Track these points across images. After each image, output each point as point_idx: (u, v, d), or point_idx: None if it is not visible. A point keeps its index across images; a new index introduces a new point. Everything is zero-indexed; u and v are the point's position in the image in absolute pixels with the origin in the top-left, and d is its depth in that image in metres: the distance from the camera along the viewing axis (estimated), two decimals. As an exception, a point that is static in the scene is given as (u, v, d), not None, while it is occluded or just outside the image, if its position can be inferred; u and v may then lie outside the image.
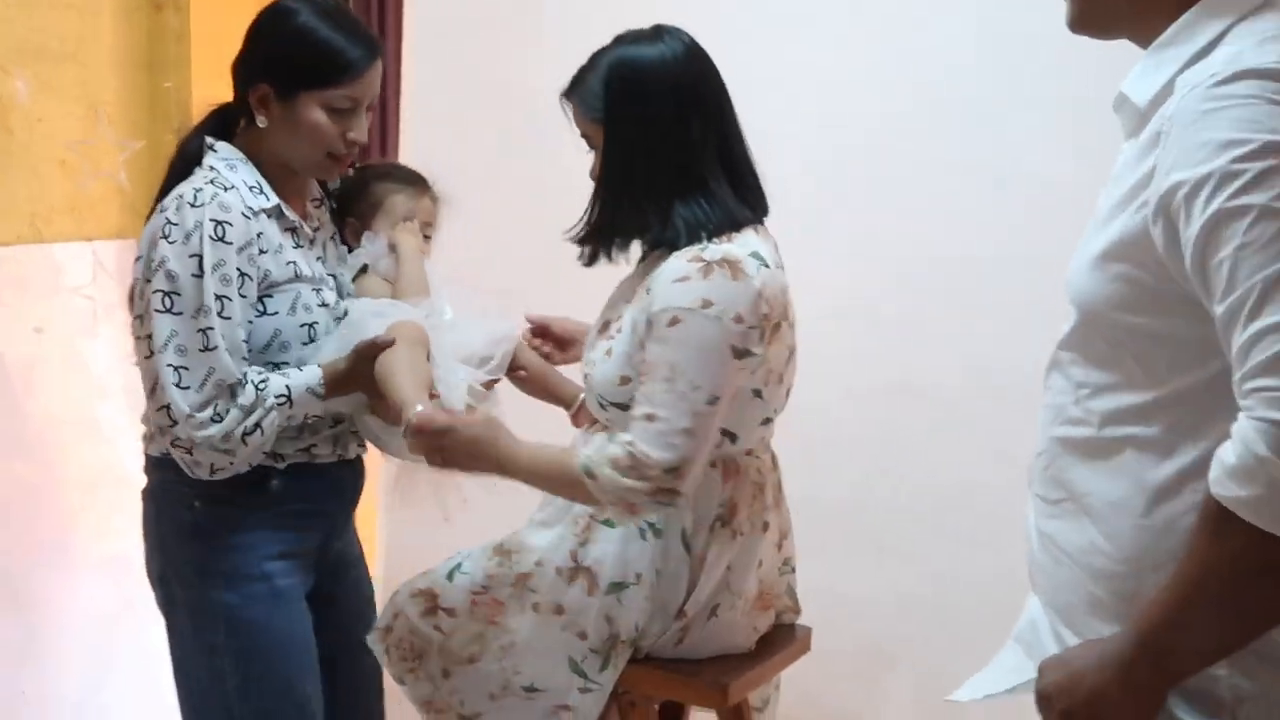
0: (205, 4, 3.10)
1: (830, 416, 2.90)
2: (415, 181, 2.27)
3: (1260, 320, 1.17)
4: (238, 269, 2.00)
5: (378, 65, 2.09)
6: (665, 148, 1.90)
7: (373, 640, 2.10)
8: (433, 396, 1.98)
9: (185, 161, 2.11)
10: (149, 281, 1.98)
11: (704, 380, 1.82)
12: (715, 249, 1.86)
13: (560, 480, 1.89)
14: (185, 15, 3.02)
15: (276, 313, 2.07)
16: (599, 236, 1.97)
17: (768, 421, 2.01)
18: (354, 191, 2.26)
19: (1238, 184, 1.19)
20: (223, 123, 2.14)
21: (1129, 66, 1.41)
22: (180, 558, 2.13)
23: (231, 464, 2.01)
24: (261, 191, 2.08)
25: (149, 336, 1.98)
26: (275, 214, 2.09)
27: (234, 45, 3.19)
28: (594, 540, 1.96)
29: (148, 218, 2.08)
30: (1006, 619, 1.62)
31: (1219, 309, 1.21)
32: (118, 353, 2.92)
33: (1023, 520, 1.54)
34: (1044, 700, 1.38)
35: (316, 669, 2.17)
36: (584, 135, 1.97)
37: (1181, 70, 1.30)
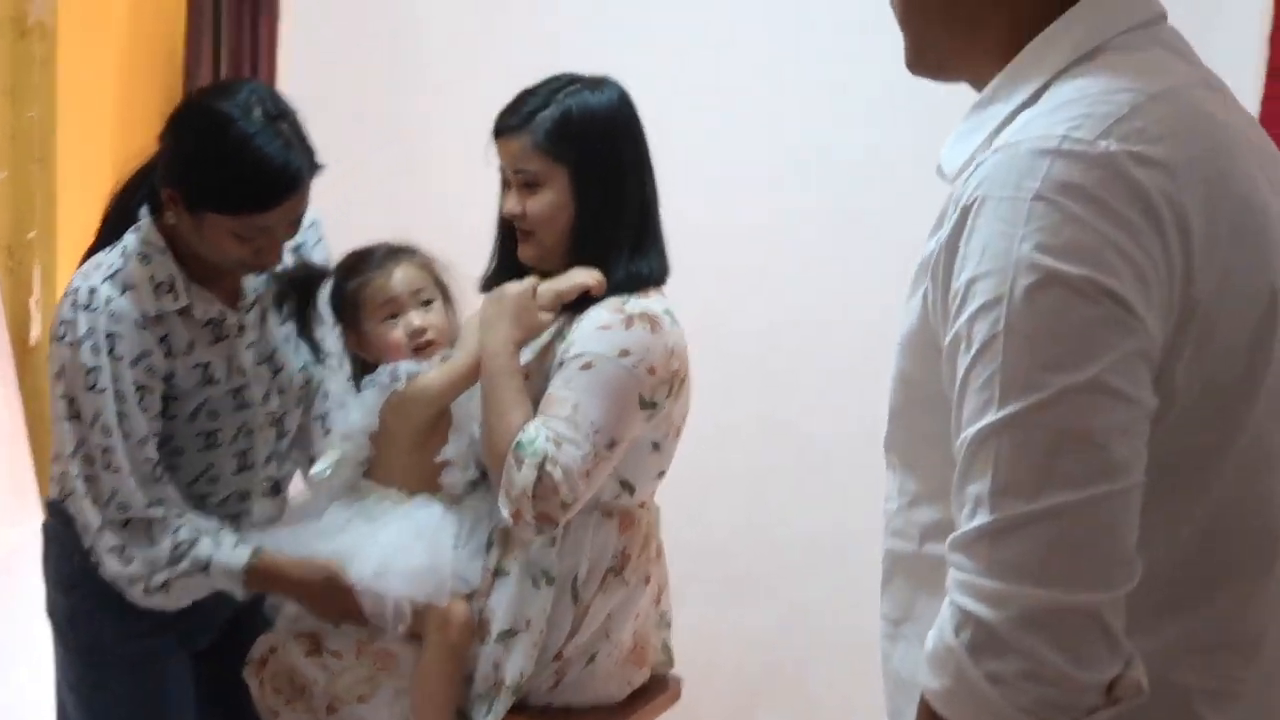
0: (73, 31, 3.03)
1: (702, 459, 2.92)
2: (382, 261, 2.03)
3: (966, 485, 1.02)
4: (134, 383, 1.90)
5: (302, 191, 1.90)
6: (633, 198, 1.95)
7: (247, 673, 2.07)
8: None
9: (119, 223, 1.98)
10: (57, 377, 1.90)
11: (605, 423, 1.84)
12: (636, 303, 1.91)
13: (502, 423, 1.86)
14: (51, 42, 2.94)
15: (175, 417, 1.97)
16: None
17: (661, 474, 2.04)
18: (333, 300, 2.07)
19: (971, 308, 1.03)
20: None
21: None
22: (60, 603, 2.08)
23: (129, 593, 1.95)
24: (171, 289, 1.93)
25: (61, 434, 1.91)
26: (185, 313, 1.96)
27: (102, 74, 3.13)
28: (487, 590, 1.96)
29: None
30: (875, 659, 1.64)
31: (953, 444, 1.06)
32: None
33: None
34: None
35: None
36: (521, 170, 1.94)
37: (994, 134, 1.14)
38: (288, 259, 2.08)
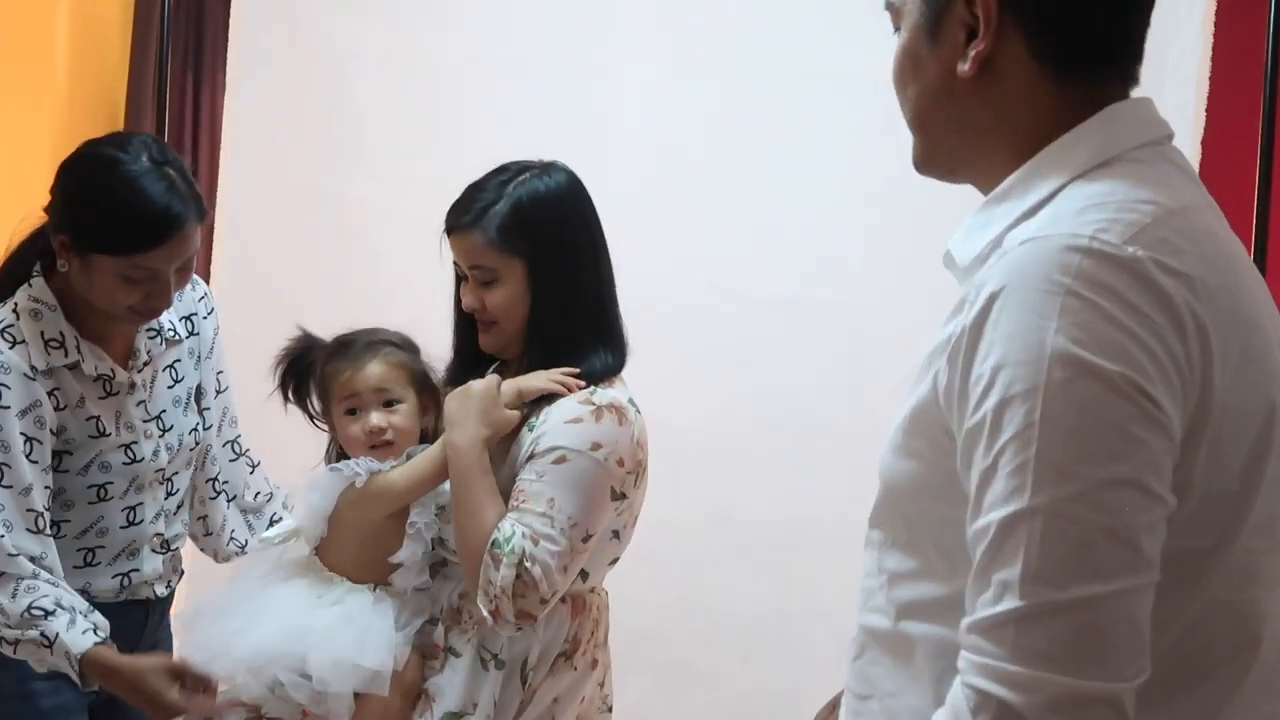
0: (10, 100, 3.01)
1: (639, 544, 2.92)
2: (359, 353, 1.99)
3: (991, 570, 1.03)
4: (21, 433, 1.90)
5: (186, 233, 1.94)
6: (590, 280, 1.95)
7: None
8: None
9: (12, 280, 2.00)
10: None
11: (581, 518, 1.84)
12: (603, 394, 1.90)
13: (475, 522, 1.84)
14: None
15: (67, 471, 1.99)
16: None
17: (615, 561, 2.03)
18: (314, 379, 2.04)
19: (999, 395, 1.04)
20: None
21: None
22: None
23: None
24: (61, 345, 1.97)
25: None
26: (75, 368, 1.98)
27: (38, 146, 3.10)
28: (439, 669, 1.94)
29: None
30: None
31: (969, 527, 1.07)
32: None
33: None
34: None
35: None
36: (476, 267, 1.93)
37: (1008, 230, 1.16)
38: (180, 328, 2.14)
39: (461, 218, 1.94)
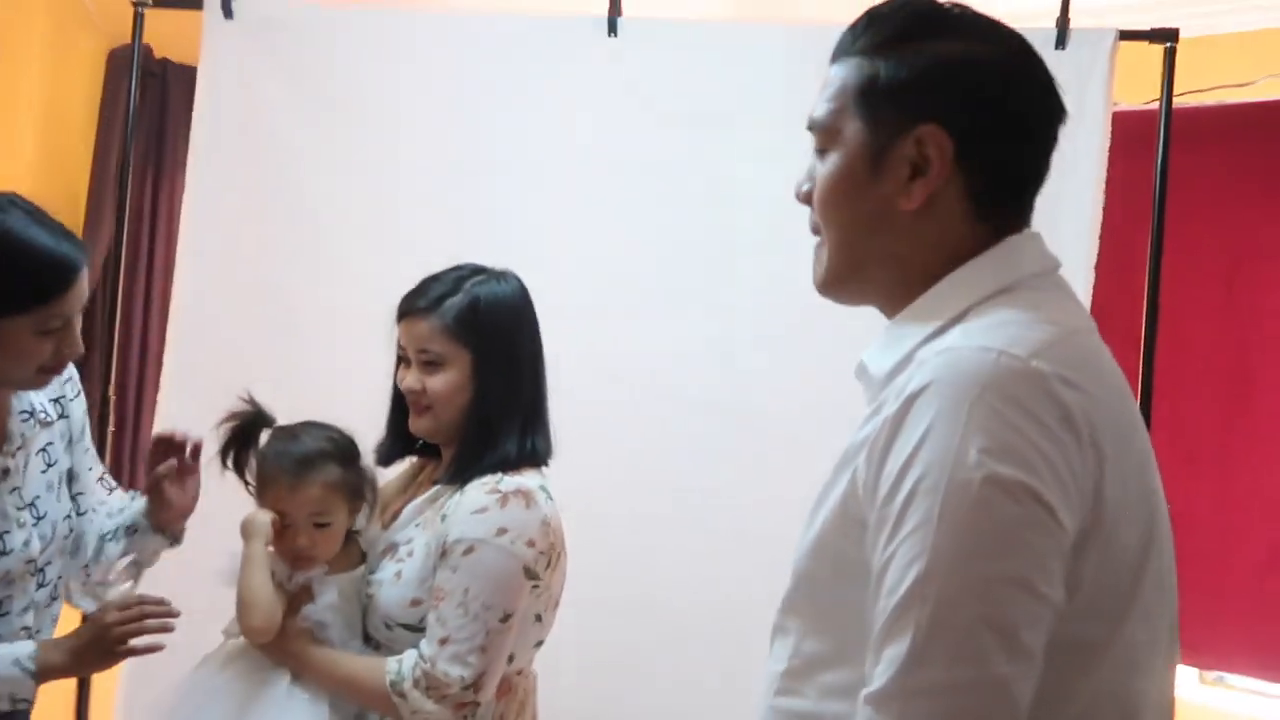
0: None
1: (569, 629, 2.96)
2: (296, 468, 2.03)
3: (884, 646, 1.13)
4: None
5: (84, 274, 1.90)
6: (528, 382, 2.06)
7: None
8: None
9: None
10: None
11: (496, 600, 1.94)
12: (509, 480, 2.00)
13: (365, 690, 1.96)
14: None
15: None
16: (469, 460, 2.04)
17: (539, 644, 2.12)
18: (248, 446, 2.09)
19: (906, 490, 1.14)
20: None
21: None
22: None
23: None
24: None
25: None
26: None
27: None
28: None
29: None
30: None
31: (872, 609, 1.16)
32: None
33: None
34: None
35: None
36: (424, 351, 2.04)
37: (920, 345, 1.25)
38: (51, 410, 2.08)
39: (417, 302, 2.06)
